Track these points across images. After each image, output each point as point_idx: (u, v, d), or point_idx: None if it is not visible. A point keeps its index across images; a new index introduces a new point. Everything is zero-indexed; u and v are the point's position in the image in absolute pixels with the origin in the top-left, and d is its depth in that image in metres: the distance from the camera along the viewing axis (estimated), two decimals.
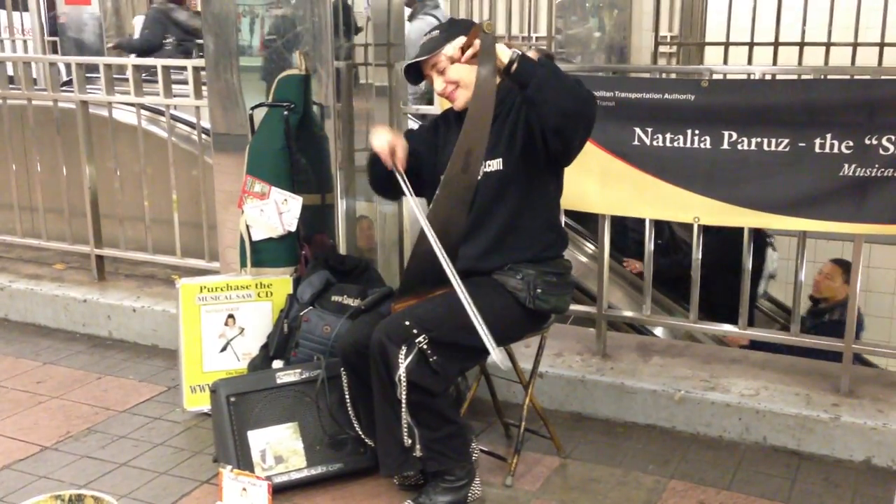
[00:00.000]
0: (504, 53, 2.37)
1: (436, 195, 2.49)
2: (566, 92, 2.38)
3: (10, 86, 4.44)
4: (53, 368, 3.77)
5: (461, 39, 2.43)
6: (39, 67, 4.43)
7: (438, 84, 2.65)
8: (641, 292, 3.57)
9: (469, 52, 2.39)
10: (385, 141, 2.62)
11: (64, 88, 4.36)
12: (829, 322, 4.81)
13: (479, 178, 2.60)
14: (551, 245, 2.70)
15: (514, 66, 2.37)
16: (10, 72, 4.62)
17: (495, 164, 2.61)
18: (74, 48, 6.32)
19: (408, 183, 2.61)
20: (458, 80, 2.60)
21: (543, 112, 2.40)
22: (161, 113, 4.15)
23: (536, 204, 2.65)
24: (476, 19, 5.95)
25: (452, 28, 2.64)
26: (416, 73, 2.70)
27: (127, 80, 4.05)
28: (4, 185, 4.58)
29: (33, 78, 4.52)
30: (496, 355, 2.26)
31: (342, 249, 3.48)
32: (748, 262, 3.25)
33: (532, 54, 2.46)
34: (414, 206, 2.57)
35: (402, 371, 2.40)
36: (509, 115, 2.61)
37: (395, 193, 2.76)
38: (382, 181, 2.71)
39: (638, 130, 3.09)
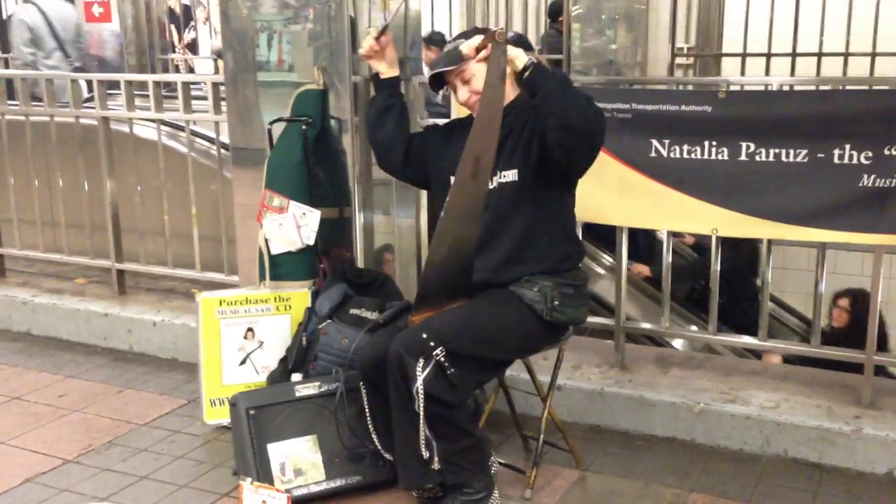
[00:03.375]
0: (520, 59, 2.41)
1: (447, 200, 2.50)
2: (573, 107, 2.40)
3: (33, 103, 4.50)
4: (75, 382, 3.80)
5: (478, 38, 2.50)
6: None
7: (462, 93, 2.66)
8: (659, 304, 3.56)
9: (482, 54, 2.45)
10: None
11: (86, 105, 4.41)
12: None
13: (494, 187, 2.61)
14: (568, 257, 2.70)
15: (527, 73, 2.41)
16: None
17: (511, 175, 2.62)
18: (95, 65, 6.42)
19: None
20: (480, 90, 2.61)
21: (547, 123, 2.44)
22: (181, 128, 4.19)
23: (552, 216, 2.66)
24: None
25: (475, 35, 2.66)
26: (439, 80, 2.72)
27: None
28: (27, 201, 4.63)
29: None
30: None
31: (360, 263, 3.49)
32: (768, 275, 3.24)
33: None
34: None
35: (419, 383, 2.40)
36: (525, 125, 2.62)
37: (401, 160, 2.91)
38: (389, 125, 2.90)
39: (655, 142, 3.09)
